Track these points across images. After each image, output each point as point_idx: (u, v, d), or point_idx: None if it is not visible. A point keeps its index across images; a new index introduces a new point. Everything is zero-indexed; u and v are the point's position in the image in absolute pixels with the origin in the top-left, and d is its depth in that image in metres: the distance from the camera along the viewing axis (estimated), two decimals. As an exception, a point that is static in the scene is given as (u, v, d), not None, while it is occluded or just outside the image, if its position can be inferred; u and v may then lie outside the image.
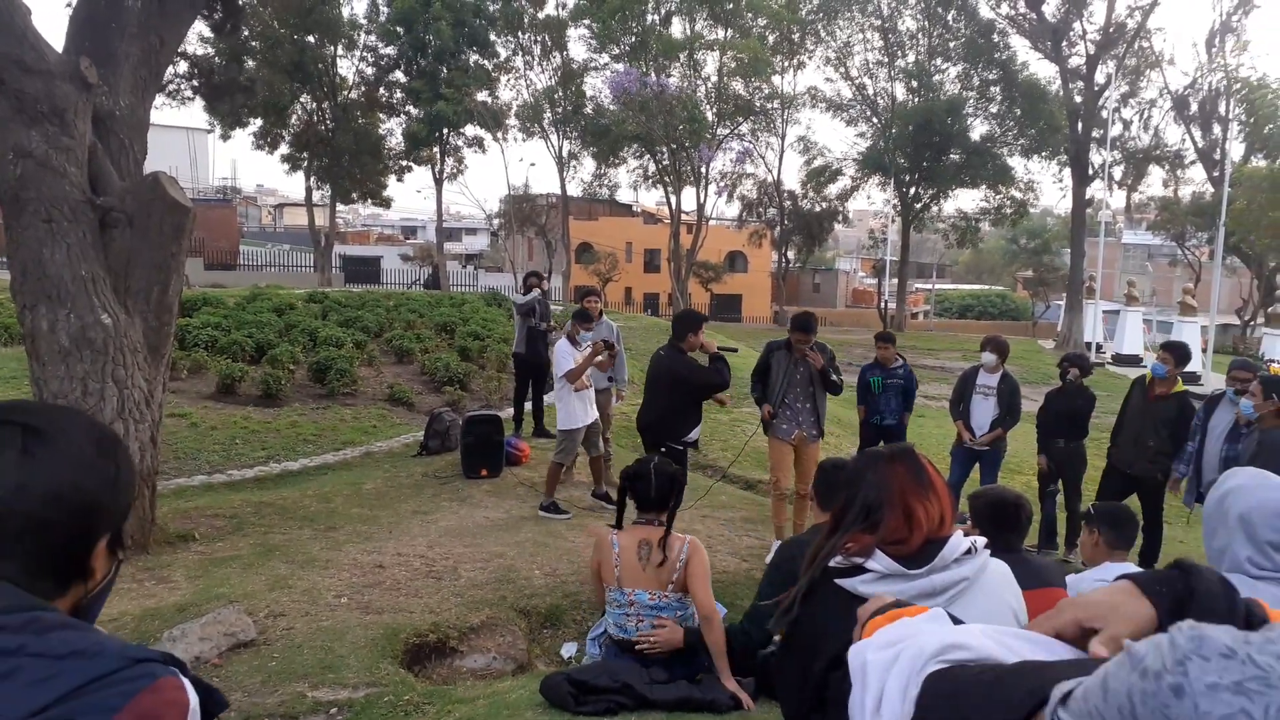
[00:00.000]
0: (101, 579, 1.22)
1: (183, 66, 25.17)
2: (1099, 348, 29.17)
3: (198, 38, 28.95)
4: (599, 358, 7.71)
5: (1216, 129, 33.72)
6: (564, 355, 7.68)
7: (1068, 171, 35.66)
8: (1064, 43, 33.90)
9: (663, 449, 6.36)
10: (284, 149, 35.20)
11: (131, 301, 6.10)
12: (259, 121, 33.97)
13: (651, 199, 54.42)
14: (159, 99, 7.00)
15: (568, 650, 5.38)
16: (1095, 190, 35.98)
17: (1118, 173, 36.97)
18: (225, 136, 34.88)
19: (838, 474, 3.79)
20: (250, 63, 31.72)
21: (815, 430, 7.09)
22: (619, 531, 4.31)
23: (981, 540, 2.30)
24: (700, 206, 33.02)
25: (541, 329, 10.14)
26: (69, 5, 6.45)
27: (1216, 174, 31.68)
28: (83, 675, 1.02)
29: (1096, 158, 34.53)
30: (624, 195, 44.04)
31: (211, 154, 53.45)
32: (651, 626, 4.12)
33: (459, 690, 4.55)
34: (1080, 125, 33.94)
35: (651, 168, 35.18)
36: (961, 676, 0.91)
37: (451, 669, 5.06)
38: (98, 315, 5.83)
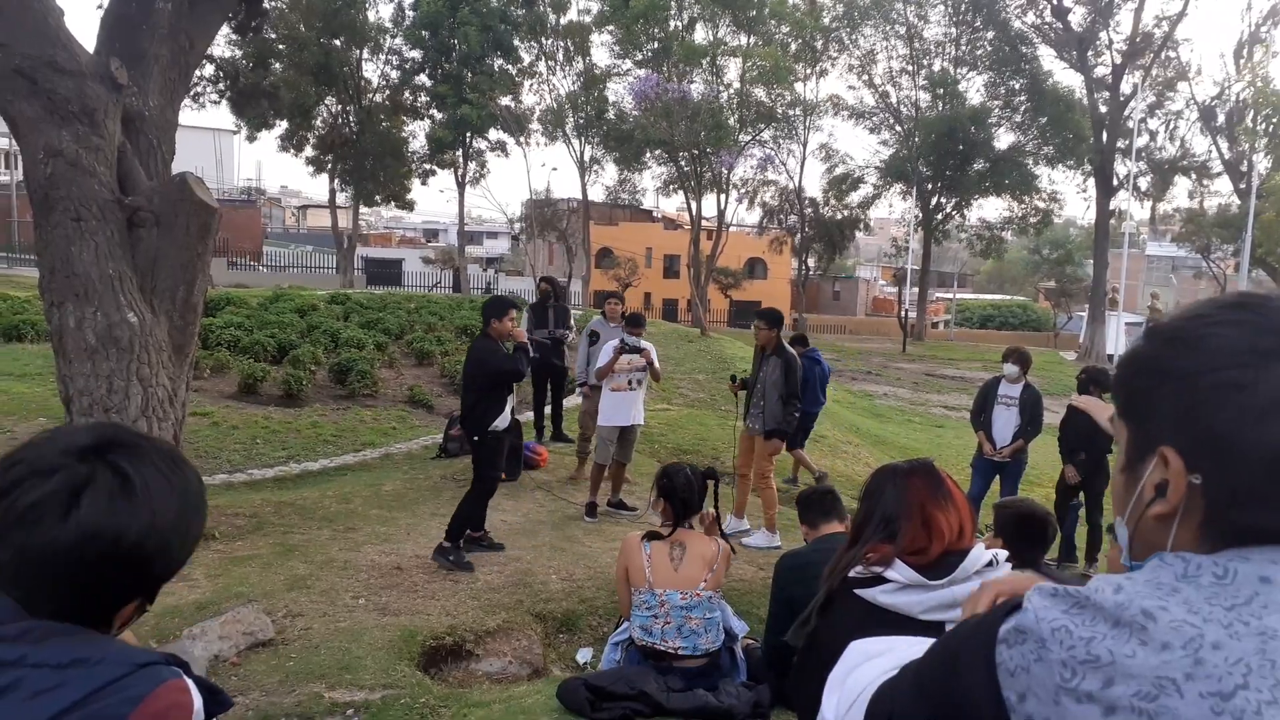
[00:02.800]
0: (116, 630, 1.17)
1: (209, 70, 25.47)
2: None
3: (225, 40, 29.31)
4: (625, 357, 7.77)
5: (1244, 140, 33.40)
6: (607, 354, 7.86)
7: (1092, 182, 35.44)
8: (1090, 52, 33.72)
9: (475, 438, 6.45)
10: (309, 151, 35.49)
11: (157, 301, 6.16)
12: (284, 123, 34.28)
13: (672, 205, 54.52)
14: (184, 101, 7.06)
15: (583, 656, 5.38)
16: (1120, 201, 35.78)
17: (1143, 183, 36.68)
18: (251, 138, 35.10)
19: (812, 495, 3.91)
20: (276, 65, 32.04)
21: (756, 424, 7.48)
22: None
23: (1003, 553, 2.29)
24: (721, 213, 32.98)
25: (558, 335, 10.11)
26: (100, 7, 6.53)
27: (1243, 186, 31.38)
28: (88, 684, 1.01)
29: (1121, 168, 34.31)
30: (645, 201, 44.11)
31: (237, 155, 54.08)
32: (679, 629, 4.13)
33: (475, 694, 4.56)
34: (1105, 135, 33.74)
35: (673, 173, 35.22)
36: (916, 664, 0.98)
37: (467, 672, 5.07)
38: (124, 314, 5.89)
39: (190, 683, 1.10)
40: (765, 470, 7.53)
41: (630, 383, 7.85)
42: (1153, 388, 0.85)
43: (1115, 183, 34.48)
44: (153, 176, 6.30)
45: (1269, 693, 0.71)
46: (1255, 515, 0.79)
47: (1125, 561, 0.93)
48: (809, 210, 40.36)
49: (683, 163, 32.03)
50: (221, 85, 30.65)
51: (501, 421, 6.54)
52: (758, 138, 35.46)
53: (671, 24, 33.68)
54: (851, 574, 2.26)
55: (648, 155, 35.68)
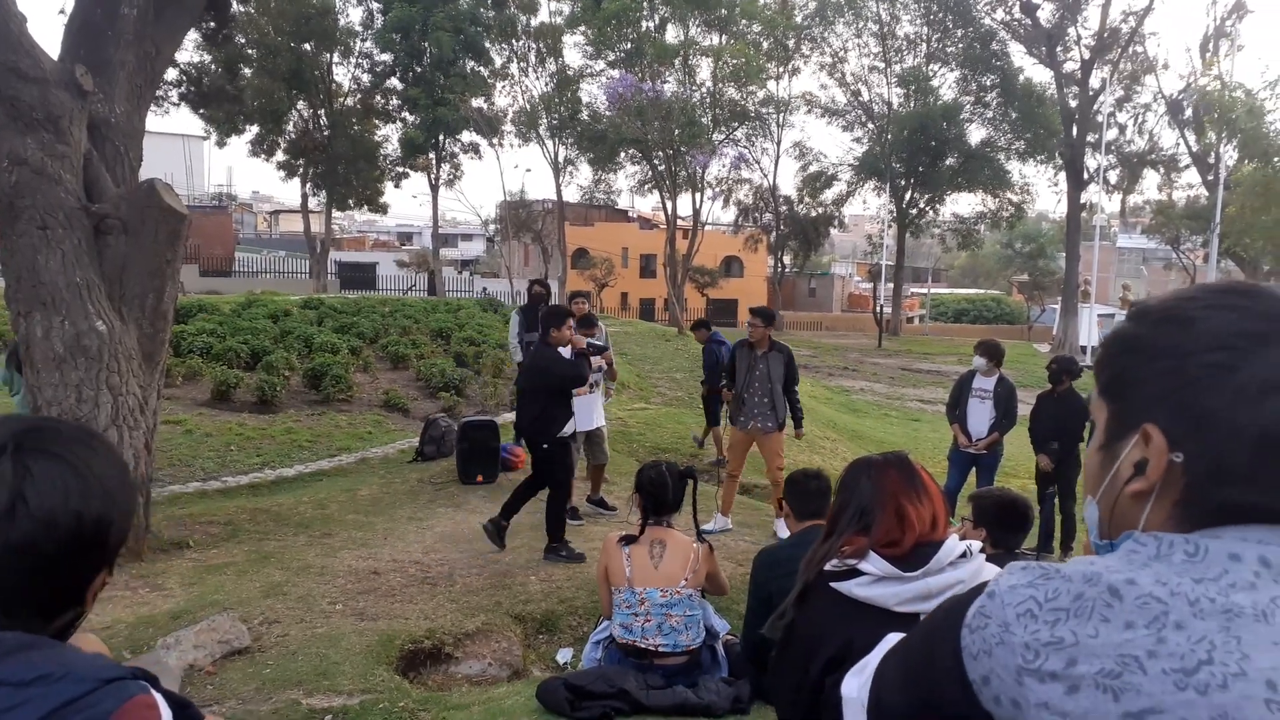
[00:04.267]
0: (90, 606, 1.16)
1: (171, 74, 25.23)
2: (1094, 351, 29.24)
3: (193, 45, 29.01)
4: (595, 359, 7.69)
5: (1210, 133, 33.83)
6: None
7: (1063, 176, 35.76)
8: (1059, 48, 34.03)
9: (544, 446, 6.53)
10: (280, 156, 35.20)
11: (126, 308, 6.09)
12: (255, 128, 33.99)
13: (647, 204, 54.53)
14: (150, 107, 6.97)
15: (563, 656, 5.37)
16: (1090, 194, 36.13)
17: (1113, 177, 37.06)
18: (221, 144, 34.72)
19: (809, 483, 3.82)
20: (247, 70, 31.76)
21: (771, 423, 7.44)
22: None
23: (976, 544, 2.31)
24: (696, 212, 33.02)
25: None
26: (62, 12, 6.45)
27: (1211, 178, 31.78)
28: (51, 701, 0.97)
29: (1091, 162, 34.66)
30: (620, 201, 44.07)
31: (207, 161, 53.62)
32: (659, 627, 4.13)
33: (454, 696, 4.54)
34: (1075, 129, 34.06)
35: (648, 173, 35.23)
36: (903, 642, 1.00)
37: (447, 675, 5.04)
38: (92, 322, 5.82)
39: (159, 697, 1.07)
40: (782, 463, 7.55)
41: (591, 385, 7.82)
42: (1140, 366, 0.87)
43: (1086, 176, 34.81)
44: (120, 183, 6.23)
45: (1235, 665, 0.72)
46: (1236, 493, 0.81)
47: (1094, 541, 0.94)
48: (784, 208, 40.50)
49: (657, 162, 32.05)
50: (183, 89, 30.33)
51: (569, 428, 6.65)
52: (731, 136, 35.54)
53: (644, 25, 33.68)
54: (827, 567, 2.27)
55: (622, 155, 35.66)
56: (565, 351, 6.81)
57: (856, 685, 1.04)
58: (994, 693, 0.81)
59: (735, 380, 7.65)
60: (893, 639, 1.20)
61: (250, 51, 31.54)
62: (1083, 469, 1.00)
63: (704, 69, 34.17)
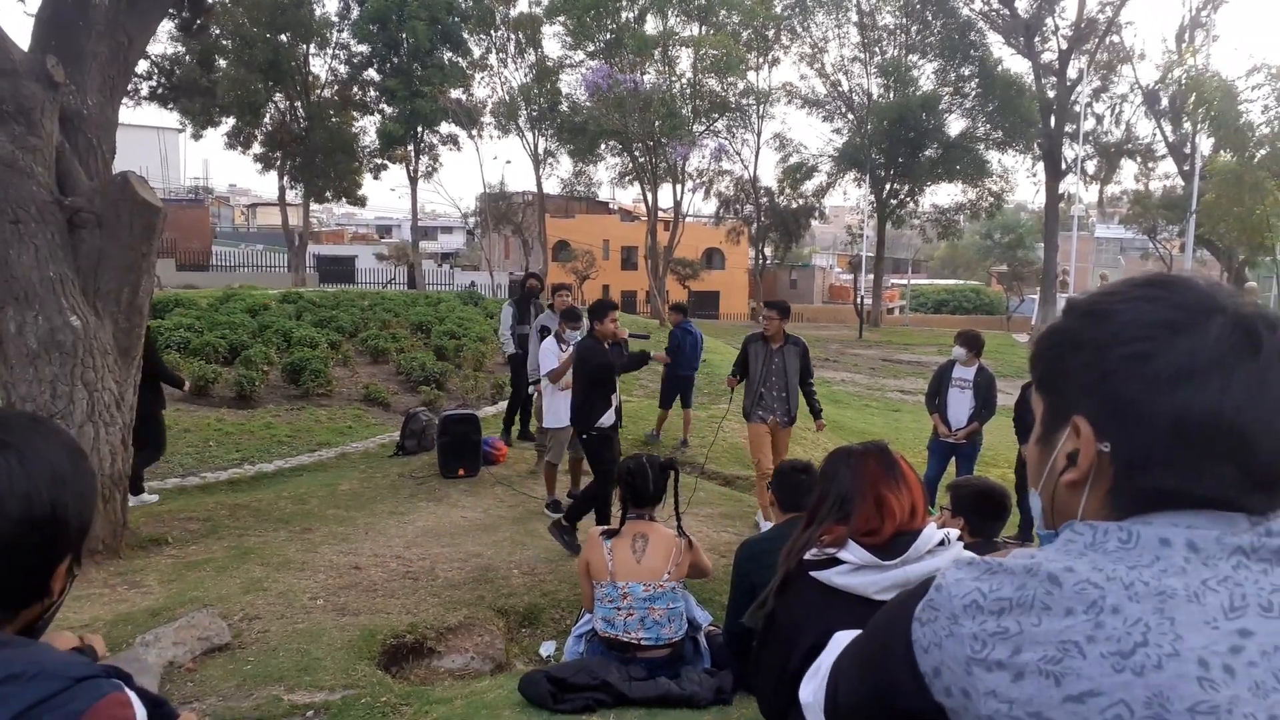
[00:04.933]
0: (57, 599, 1.15)
1: (142, 66, 24.94)
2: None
3: (168, 36, 28.71)
4: None
5: (1186, 123, 34.11)
6: (548, 354, 7.61)
7: (1041, 166, 35.98)
8: (1036, 38, 34.20)
9: (583, 436, 6.65)
10: (257, 148, 34.92)
11: (101, 303, 6.03)
12: (231, 121, 33.69)
13: (628, 196, 54.45)
14: (123, 99, 6.87)
15: (546, 649, 5.37)
16: (1068, 184, 36.36)
17: (1090, 167, 37.33)
18: (196, 136, 34.43)
19: (797, 476, 3.82)
20: (222, 62, 31.46)
21: (786, 417, 7.46)
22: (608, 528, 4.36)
23: (955, 532, 2.32)
24: (677, 204, 33.02)
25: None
26: (23, 1, 6.35)
27: (1187, 168, 32.05)
28: (21, 701, 0.96)
29: (1069, 152, 34.88)
30: (601, 193, 44.04)
31: (183, 154, 52.97)
32: (641, 620, 4.13)
33: (437, 691, 4.53)
34: (1053, 120, 34.27)
35: (628, 165, 35.17)
36: (858, 637, 1.03)
37: (429, 670, 5.03)
38: (66, 317, 5.76)
39: (132, 695, 1.06)
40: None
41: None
42: (1068, 359, 0.90)
43: (1064, 166, 35.05)
44: (93, 176, 6.15)
45: (1169, 646, 0.75)
46: (1158, 479, 0.83)
47: (1039, 531, 0.96)
48: (764, 200, 40.55)
49: (637, 154, 32.02)
50: (155, 81, 30.02)
51: (607, 419, 6.68)
52: (712, 128, 35.53)
53: (623, 15, 33.59)
54: (807, 556, 2.28)
55: (602, 147, 35.59)
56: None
57: (812, 690, 1.07)
58: (945, 683, 0.84)
59: (749, 373, 7.59)
60: (842, 638, 1.22)
61: (225, 43, 31.25)
62: (1027, 461, 1.02)
63: (684, 60, 34.15)
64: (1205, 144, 32.10)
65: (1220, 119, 26.18)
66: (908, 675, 0.88)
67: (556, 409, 7.62)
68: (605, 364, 6.63)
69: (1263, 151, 25.49)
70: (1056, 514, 0.93)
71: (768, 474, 7.38)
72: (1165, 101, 34.11)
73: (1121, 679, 0.74)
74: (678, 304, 11.93)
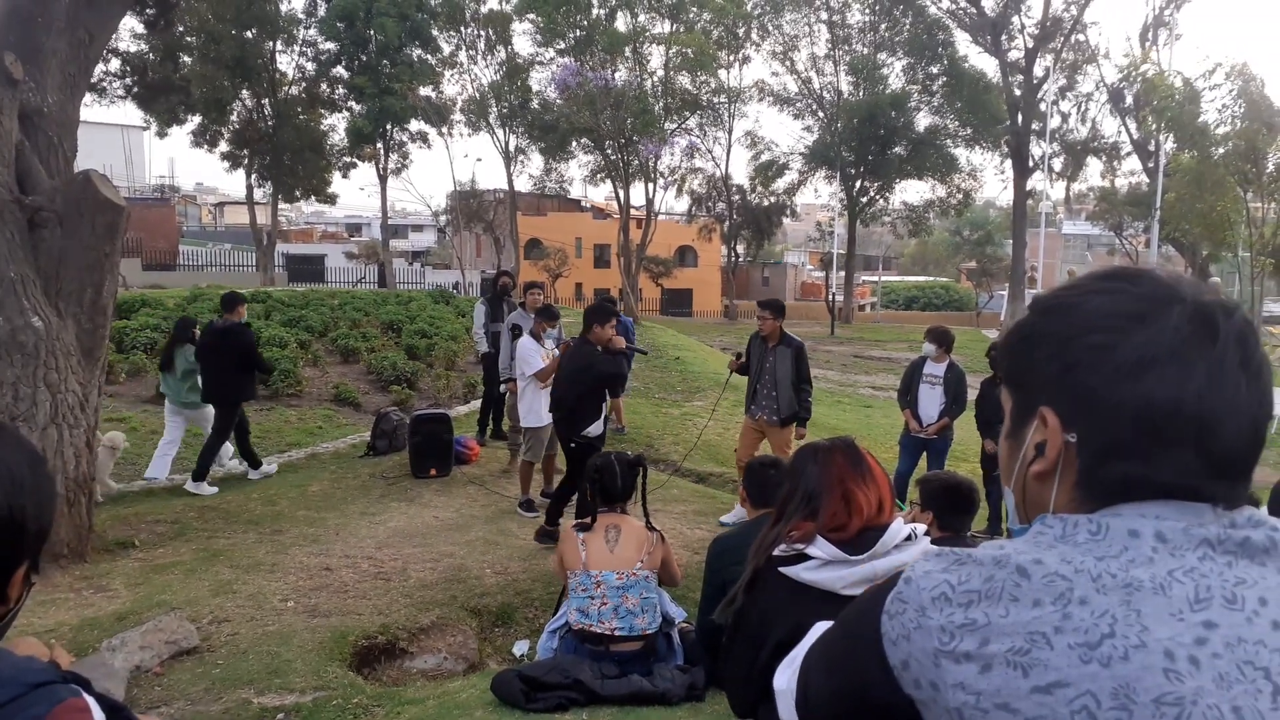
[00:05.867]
0: (14, 606, 1.12)
1: (114, 64, 24.57)
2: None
3: (130, 34, 28.33)
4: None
5: (1151, 121, 34.56)
6: (530, 353, 7.48)
7: (1009, 163, 36.33)
8: (1003, 36, 34.53)
9: (571, 445, 6.53)
10: (224, 146, 34.52)
11: (63, 303, 5.94)
12: (197, 119, 33.28)
13: (600, 194, 54.41)
14: (89, 97, 6.81)
15: (520, 648, 5.36)
16: (1036, 182, 36.75)
17: (1057, 164, 37.73)
18: (161, 134, 34.00)
19: (766, 473, 3.83)
20: (187, 59, 31.07)
21: (775, 416, 7.43)
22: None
23: (921, 527, 2.34)
24: (649, 201, 33.05)
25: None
26: None
27: (1151, 165, 32.47)
28: None
29: (1036, 150, 35.25)
30: (573, 190, 43.92)
31: (148, 152, 52.17)
32: (615, 609, 4.13)
33: (409, 691, 4.51)
34: (1020, 118, 34.62)
35: (600, 162, 35.13)
36: (827, 633, 1.03)
37: (401, 670, 5.01)
38: (28, 318, 5.67)
39: (91, 700, 1.05)
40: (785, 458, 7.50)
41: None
42: (1032, 353, 0.91)
43: (1031, 164, 35.42)
44: (54, 175, 6.06)
45: (1136, 638, 0.75)
46: (1124, 468, 0.84)
47: (1012, 525, 0.97)
48: (736, 197, 40.67)
49: (609, 151, 31.98)
50: (128, 80, 29.62)
51: (595, 429, 6.60)
52: (683, 126, 35.56)
53: (594, 11, 33.52)
54: (776, 552, 2.29)
55: (574, 144, 35.53)
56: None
57: (787, 678, 1.07)
58: (913, 676, 0.85)
59: (749, 370, 7.65)
60: (819, 629, 1.22)
61: (191, 39, 30.87)
62: (999, 458, 1.03)
63: (655, 57, 34.16)
64: (1168, 142, 32.58)
65: (1177, 120, 26.56)
66: (877, 668, 0.88)
67: (538, 408, 7.45)
68: (615, 374, 6.56)
69: (1222, 150, 25.86)
70: (1028, 507, 0.93)
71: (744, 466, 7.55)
72: (1130, 100, 34.55)
73: (1088, 670, 0.74)
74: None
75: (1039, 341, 0.91)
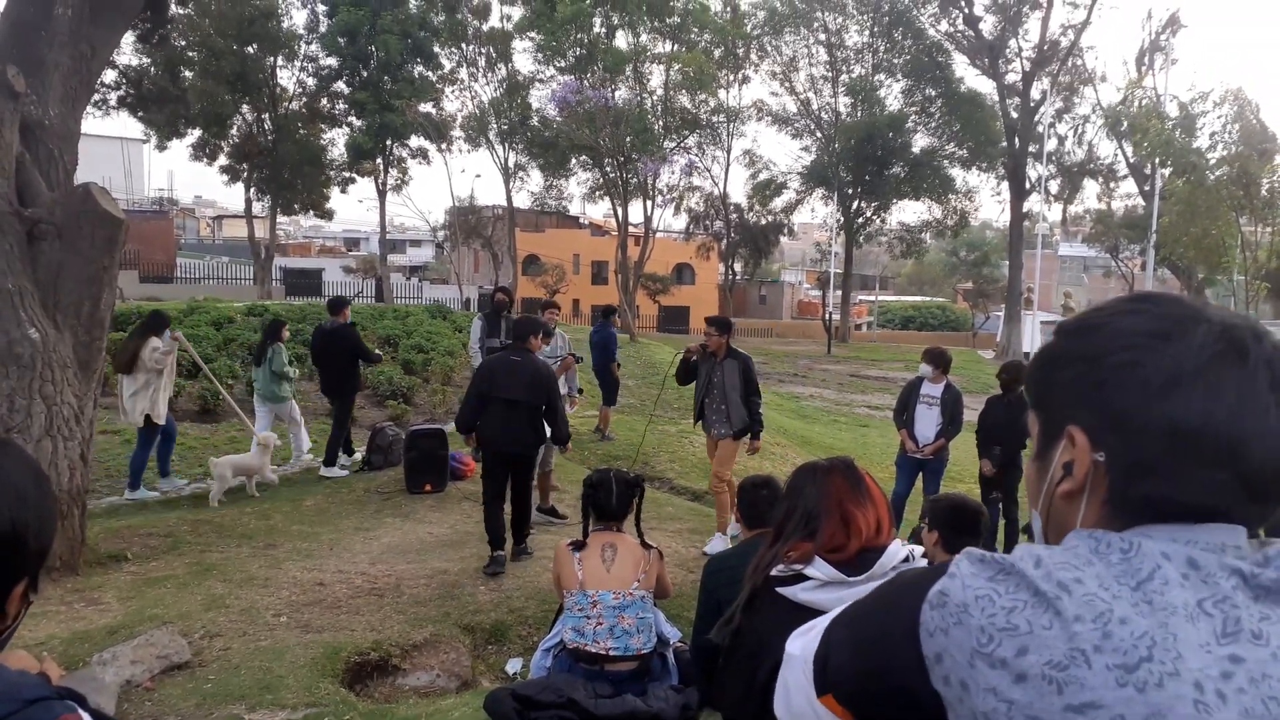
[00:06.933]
0: (11, 623, 1.11)
1: (110, 75, 24.61)
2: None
3: (132, 47, 28.41)
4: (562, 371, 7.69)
5: (1145, 144, 34.73)
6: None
7: (1006, 185, 36.48)
8: (1001, 60, 34.75)
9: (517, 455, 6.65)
10: (223, 160, 34.58)
11: (61, 316, 5.93)
12: (197, 132, 33.35)
13: (599, 211, 54.53)
14: (88, 107, 6.82)
15: (513, 666, 5.33)
16: (1032, 203, 36.90)
17: (1054, 186, 37.90)
18: (161, 147, 34.01)
19: (758, 492, 3.83)
20: (188, 73, 31.17)
21: (725, 429, 7.38)
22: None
23: (919, 549, 2.33)
24: (647, 219, 33.09)
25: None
26: None
27: (1147, 188, 32.62)
28: None
29: (1033, 172, 35.41)
30: (571, 207, 44.02)
31: (147, 165, 52.22)
32: (610, 629, 4.11)
33: (401, 709, 4.48)
34: (1017, 140, 34.78)
35: (599, 179, 35.22)
36: (854, 608, 1.01)
37: (394, 687, 4.97)
38: (25, 330, 5.66)
39: (86, 717, 1.04)
40: (726, 474, 7.40)
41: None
42: (1059, 374, 0.92)
43: (1028, 186, 35.57)
44: (54, 187, 6.06)
45: (1171, 664, 0.75)
46: (1153, 487, 0.84)
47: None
48: (734, 216, 40.78)
49: (608, 169, 32.07)
50: (123, 90, 29.70)
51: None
52: (682, 144, 35.68)
53: (595, 29, 33.69)
54: (773, 572, 2.28)
55: (573, 162, 35.62)
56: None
57: (801, 644, 1.06)
58: (945, 671, 0.84)
59: (696, 386, 7.59)
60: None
61: (191, 54, 30.98)
62: (1024, 481, 1.03)
63: (656, 76, 34.31)
64: (1164, 166, 32.75)
65: (1168, 148, 26.71)
66: (910, 656, 0.88)
67: None
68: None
69: (1218, 173, 26.00)
70: (1052, 529, 0.94)
71: (719, 484, 7.50)
72: (1125, 123, 34.76)
73: (1124, 694, 0.74)
74: (608, 308, 12.52)
75: (1066, 363, 0.91)
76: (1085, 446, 0.87)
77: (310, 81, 35.60)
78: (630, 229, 33.00)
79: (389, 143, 35.14)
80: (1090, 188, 39.21)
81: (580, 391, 9.81)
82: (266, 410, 9.66)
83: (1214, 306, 0.88)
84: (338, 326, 9.57)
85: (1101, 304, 0.94)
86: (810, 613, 2.20)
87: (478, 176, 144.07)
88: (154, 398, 8.30)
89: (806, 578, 2.21)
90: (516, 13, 34.39)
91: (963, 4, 34.71)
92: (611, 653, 4.13)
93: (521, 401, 6.43)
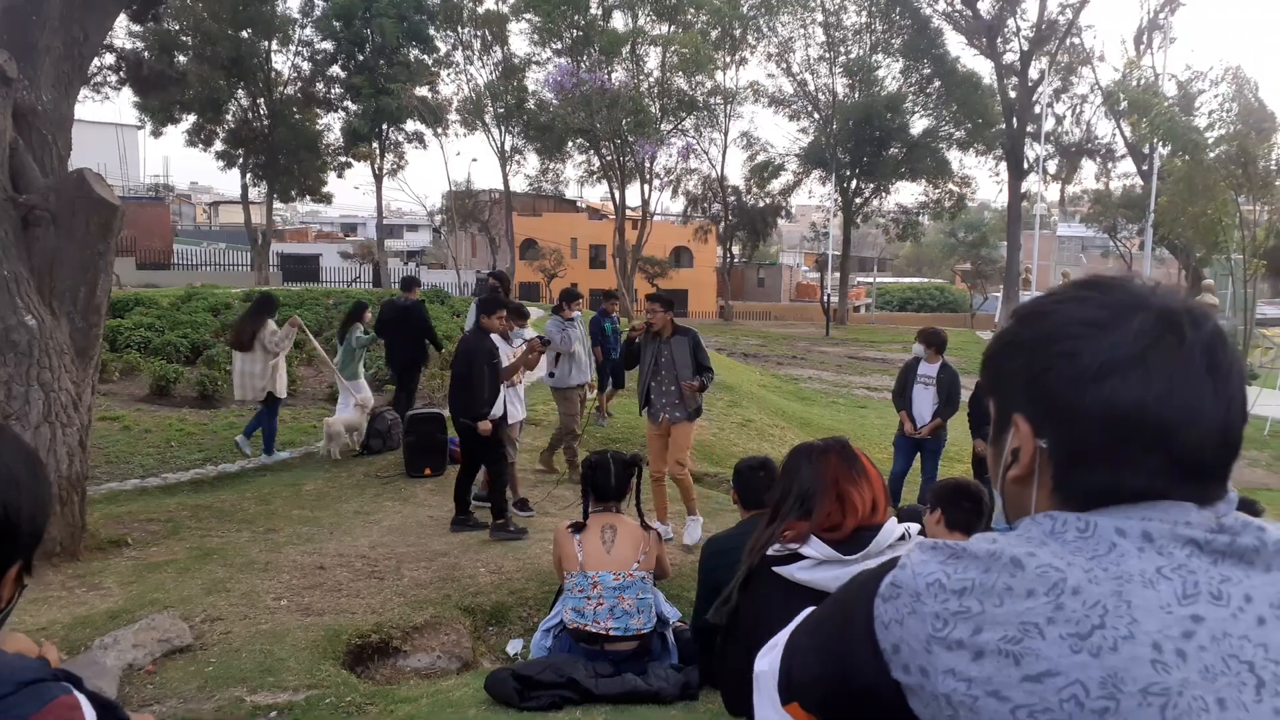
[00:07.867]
0: (6, 605, 1.12)
1: (109, 59, 24.44)
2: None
3: (126, 32, 28.24)
4: (530, 355, 7.47)
5: (1144, 129, 34.61)
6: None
7: (1004, 165, 36.40)
8: (999, 39, 34.61)
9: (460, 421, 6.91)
10: (219, 145, 34.47)
11: (57, 302, 5.93)
12: (192, 117, 33.22)
13: (596, 194, 54.40)
14: (83, 93, 6.81)
15: (513, 647, 5.36)
16: (1030, 184, 36.83)
17: (1052, 166, 37.80)
18: (156, 133, 33.87)
19: (755, 474, 3.84)
20: (183, 58, 31.01)
21: (680, 413, 6.90)
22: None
23: (915, 527, 2.35)
24: (645, 202, 33.06)
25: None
26: None
27: (1145, 168, 32.54)
28: None
29: (1031, 152, 35.32)
30: (568, 191, 43.97)
31: (142, 151, 52.14)
32: (611, 610, 4.14)
33: (402, 690, 4.51)
34: (1015, 120, 34.69)
35: (596, 163, 35.14)
36: (811, 615, 1.02)
37: (395, 669, 5.00)
38: (21, 317, 5.65)
39: (82, 698, 1.05)
40: (686, 459, 7.02)
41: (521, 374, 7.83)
42: (1009, 361, 0.94)
43: (1025, 166, 35.49)
44: (48, 173, 6.04)
45: (1125, 629, 0.77)
46: (1093, 473, 0.86)
47: (999, 526, 0.98)
48: (732, 198, 40.69)
49: (605, 152, 31.99)
50: (122, 73, 29.54)
51: (495, 410, 6.99)
52: (679, 126, 35.58)
53: (592, 10, 33.52)
54: (770, 552, 2.29)
55: (570, 145, 35.52)
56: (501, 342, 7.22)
57: (769, 660, 1.07)
58: (904, 660, 0.85)
59: (640, 369, 7.05)
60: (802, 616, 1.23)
61: (186, 39, 30.81)
62: (987, 461, 1.05)
63: (652, 58, 34.18)
64: (1161, 147, 32.67)
65: (1171, 127, 26.61)
66: (867, 651, 0.89)
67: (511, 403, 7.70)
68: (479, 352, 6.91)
69: (1216, 152, 25.90)
70: (1010, 510, 0.95)
71: (658, 479, 7.02)
72: (1124, 103, 34.62)
73: (1078, 659, 0.76)
74: (608, 292, 12.52)
75: (1014, 350, 0.93)
76: (1028, 434, 0.89)
77: (305, 66, 35.49)
78: (628, 212, 32.96)
79: (385, 127, 35.04)
80: (1088, 167, 39.09)
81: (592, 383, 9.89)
82: (343, 388, 9.97)
83: (1162, 289, 0.89)
84: (410, 303, 9.99)
85: (1055, 289, 0.95)
86: (807, 592, 2.21)
87: (474, 160, 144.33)
88: (273, 376, 8.93)
89: (803, 557, 2.22)
90: (512, -7, 34.22)
91: (961, -17, 34.56)
92: (612, 633, 4.16)
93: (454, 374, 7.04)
